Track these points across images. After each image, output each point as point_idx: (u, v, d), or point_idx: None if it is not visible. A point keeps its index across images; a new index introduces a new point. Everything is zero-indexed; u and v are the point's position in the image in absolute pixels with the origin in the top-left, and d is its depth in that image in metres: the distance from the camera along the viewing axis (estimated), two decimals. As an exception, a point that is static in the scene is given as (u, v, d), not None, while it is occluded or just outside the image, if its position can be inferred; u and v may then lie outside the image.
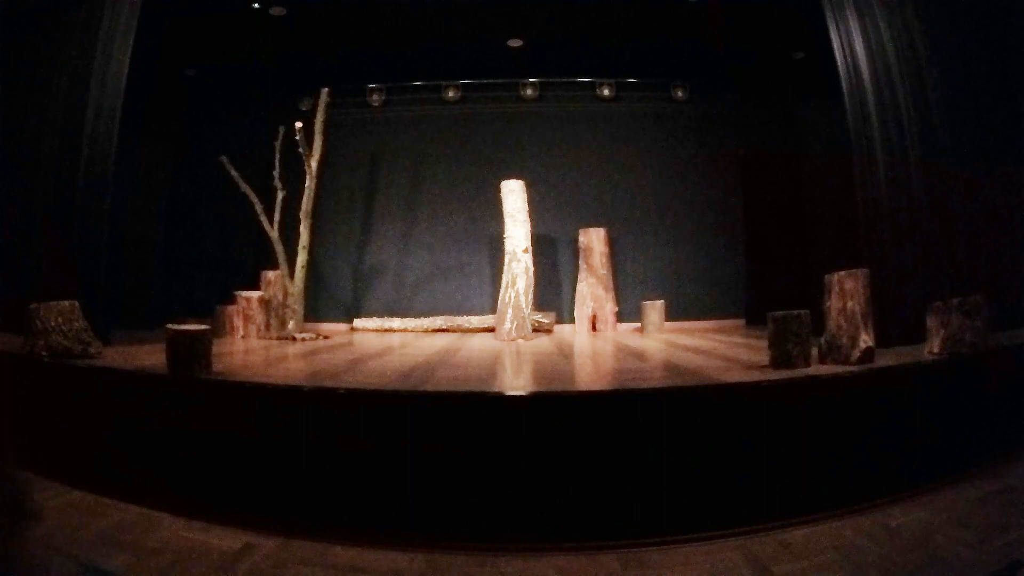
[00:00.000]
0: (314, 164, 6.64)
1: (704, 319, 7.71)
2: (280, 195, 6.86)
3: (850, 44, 4.87)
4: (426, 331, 7.42)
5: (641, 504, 2.69)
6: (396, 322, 7.63)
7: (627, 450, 2.77)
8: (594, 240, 7.43)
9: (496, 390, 3.13)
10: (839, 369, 3.43)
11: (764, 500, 2.74)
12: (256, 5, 6.70)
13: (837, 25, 4.95)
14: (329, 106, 6.76)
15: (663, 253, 8.01)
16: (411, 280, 8.13)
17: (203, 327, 3.61)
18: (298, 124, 6.45)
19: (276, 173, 6.86)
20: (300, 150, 6.49)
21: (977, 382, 3.49)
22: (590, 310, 7.37)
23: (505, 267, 6.35)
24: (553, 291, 7.87)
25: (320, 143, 6.72)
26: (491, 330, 6.68)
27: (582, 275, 7.47)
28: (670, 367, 3.94)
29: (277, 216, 6.83)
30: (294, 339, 6.19)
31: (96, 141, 5.03)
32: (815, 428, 2.95)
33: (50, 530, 2.59)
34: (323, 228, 7.61)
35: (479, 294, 7.95)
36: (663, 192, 8.08)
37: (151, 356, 4.08)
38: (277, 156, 6.88)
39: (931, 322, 3.80)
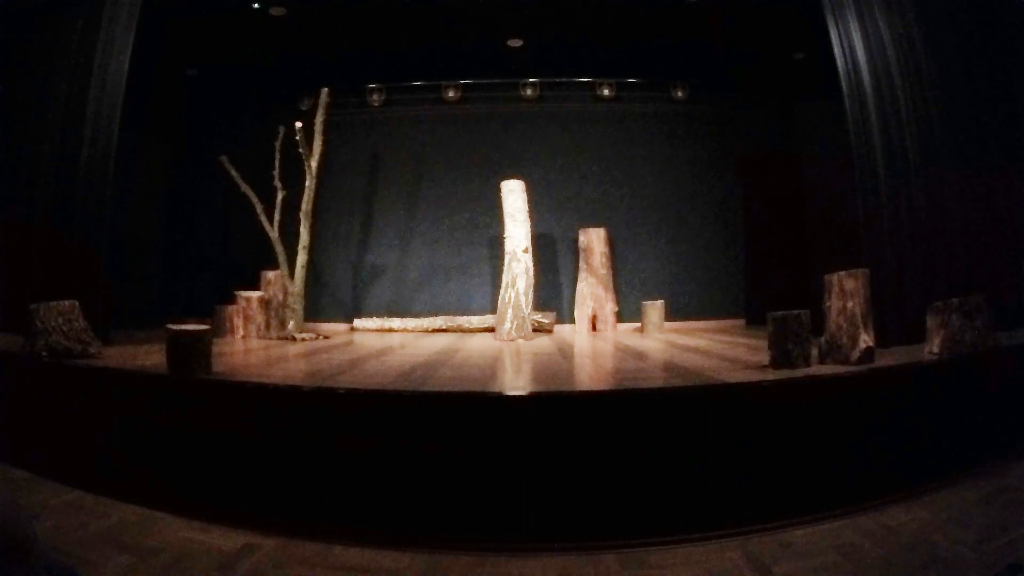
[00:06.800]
0: (314, 164, 6.64)
1: (704, 319, 7.71)
2: (280, 195, 6.86)
3: (850, 44, 4.87)
4: (426, 331, 7.42)
5: (641, 504, 2.69)
6: (396, 322, 7.62)
7: (627, 450, 2.77)
8: (594, 240, 7.43)
9: (496, 390, 3.14)
10: (839, 369, 3.43)
11: (764, 500, 2.74)
12: (256, 5, 6.69)
13: (837, 25, 4.96)
14: (329, 106, 6.75)
15: (663, 253, 8.00)
16: (411, 280, 8.12)
17: (203, 327, 3.61)
18: (298, 124, 6.44)
19: (276, 173, 6.85)
20: (300, 150, 6.49)
21: (977, 382, 3.49)
22: (590, 310, 7.37)
23: (505, 267, 6.35)
24: (553, 291, 7.86)
25: (320, 143, 6.72)
26: (491, 330, 6.67)
27: (582, 275, 7.47)
28: (670, 367, 3.93)
29: (277, 216, 6.83)
30: (294, 339, 6.18)
31: (96, 141, 5.03)
32: (815, 428, 2.95)
33: (50, 530, 2.59)
34: (323, 228, 7.61)
35: (479, 294, 7.94)
36: (663, 192, 8.07)
37: (151, 356, 4.09)
38: (277, 156, 6.87)
39: (931, 322, 3.80)
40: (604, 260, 7.42)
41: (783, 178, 7.78)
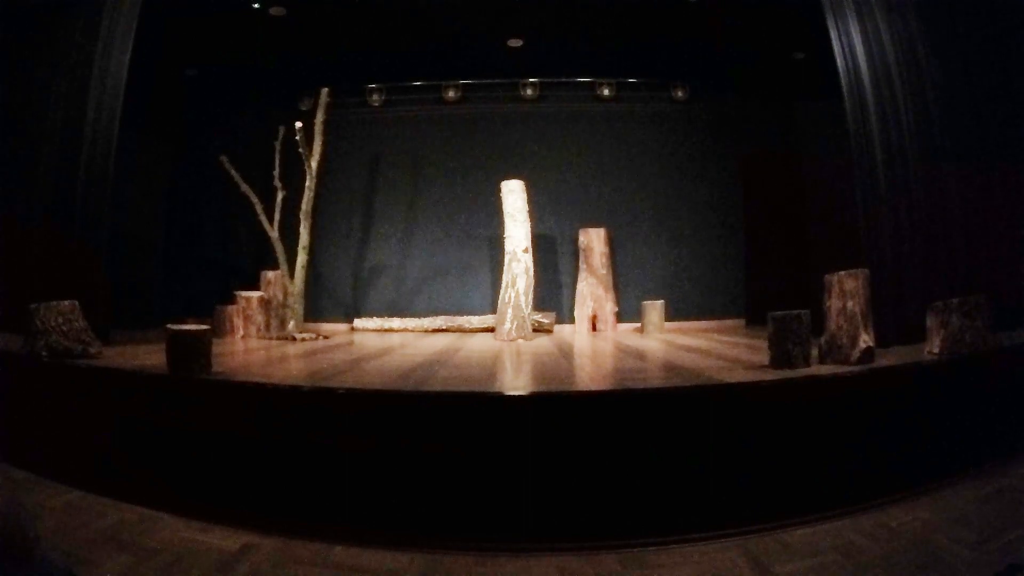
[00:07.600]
0: (314, 164, 6.64)
1: (704, 319, 7.71)
2: (280, 195, 6.86)
3: (850, 44, 4.87)
4: (426, 331, 7.42)
5: (641, 504, 2.69)
6: (396, 322, 7.63)
7: (627, 450, 2.77)
8: (594, 240, 7.43)
9: (496, 390, 3.14)
10: (839, 369, 3.43)
11: (764, 500, 2.74)
12: (256, 5, 6.69)
13: (837, 25, 4.96)
14: (329, 106, 6.76)
15: (663, 253, 8.00)
16: (411, 280, 8.12)
17: (203, 327, 3.61)
18: (298, 124, 6.44)
19: (276, 173, 6.86)
20: (300, 150, 6.49)
21: (977, 382, 3.49)
22: (590, 310, 7.37)
23: (505, 267, 6.35)
24: (553, 291, 7.86)
25: (320, 143, 6.72)
26: (491, 330, 6.67)
27: (582, 275, 7.47)
28: (670, 367, 3.94)
29: (277, 216, 6.83)
30: (294, 339, 6.18)
31: (96, 141, 5.03)
32: (815, 428, 2.95)
33: (50, 530, 2.59)
34: (323, 228, 7.61)
35: (479, 294, 7.94)
36: (663, 192, 8.07)
37: (151, 356, 4.08)
38: (277, 156, 6.88)
39: (931, 322, 3.80)
40: (604, 260, 7.42)
41: (783, 178, 7.78)
